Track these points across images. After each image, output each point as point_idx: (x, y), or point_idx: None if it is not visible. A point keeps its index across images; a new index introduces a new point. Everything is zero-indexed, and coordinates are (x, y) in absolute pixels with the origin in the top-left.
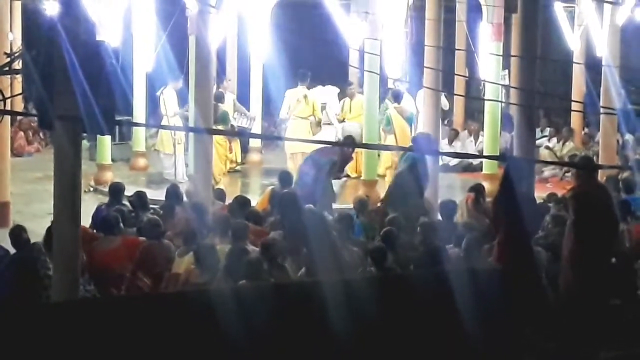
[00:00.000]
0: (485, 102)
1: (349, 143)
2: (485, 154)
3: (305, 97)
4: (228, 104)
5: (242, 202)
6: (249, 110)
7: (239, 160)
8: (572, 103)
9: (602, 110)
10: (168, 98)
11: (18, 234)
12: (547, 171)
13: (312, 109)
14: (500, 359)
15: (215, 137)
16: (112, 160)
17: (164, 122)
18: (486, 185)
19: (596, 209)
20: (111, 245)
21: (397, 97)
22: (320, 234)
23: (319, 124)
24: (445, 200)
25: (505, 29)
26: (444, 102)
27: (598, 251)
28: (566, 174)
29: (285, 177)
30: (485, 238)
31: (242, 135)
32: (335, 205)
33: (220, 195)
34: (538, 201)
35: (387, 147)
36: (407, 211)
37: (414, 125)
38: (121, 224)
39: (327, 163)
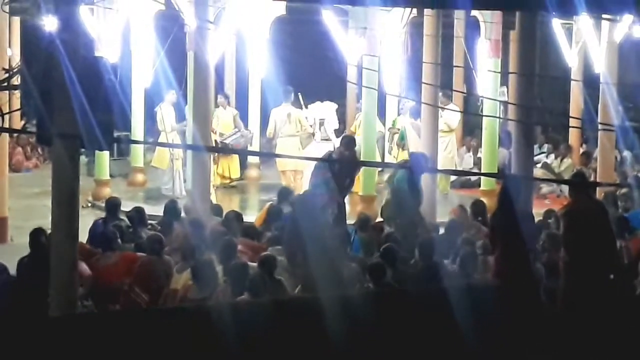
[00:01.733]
0: (484, 118)
1: (338, 160)
2: (483, 170)
3: (289, 115)
4: (228, 119)
5: (234, 217)
6: (247, 127)
7: (237, 175)
8: (570, 119)
9: (600, 126)
10: (166, 113)
11: (37, 236)
12: (545, 187)
13: (298, 125)
14: None
15: None
16: (110, 175)
17: (161, 138)
18: (485, 201)
19: (588, 226)
20: (109, 260)
21: (415, 113)
22: (320, 246)
23: (308, 137)
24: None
25: (503, 46)
26: (452, 120)
27: (592, 267)
28: (562, 191)
29: (284, 193)
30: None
31: (238, 152)
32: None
33: (217, 211)
34: (536, 218)
35: (385, 165)
36: (403, 227)
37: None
38: (119, 240)
39: (322, 184)
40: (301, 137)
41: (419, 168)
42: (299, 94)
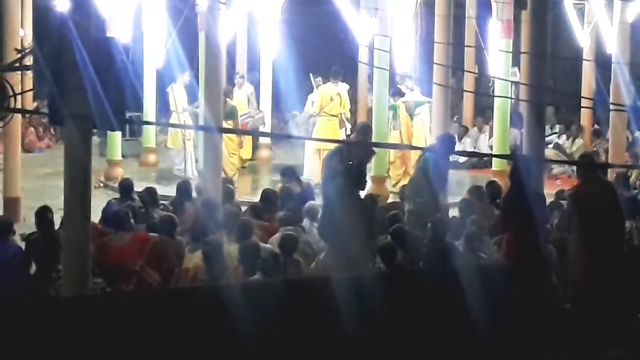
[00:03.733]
0: (495, 99)
1: (358, 142)
2: (494, 150)
3: (339, 94)
4: (242, 99)
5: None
6: (258, 107)
7: (249, 156)
8: (582, 100)
9: (611, 107)
10: (177, 94)
11: (43, 214)
12: (557, 168)
13: (343, 107)
14: (507, 354)
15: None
16: (122, 156)
17: (173, 118)
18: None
19: (595, 208)
20: (122, 240)
21: (398, 93)
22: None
23: (347, 121)
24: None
25: (515, 26)
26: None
27: (601, 249)
28: (574, 171)
29: (287, 172)
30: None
31: (251, 133)
32: None
33: (229, 192)
34: (548, 198)
35: (398, 146)
36: (419, 209)
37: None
38: (132, 220)
39: (330, 176)
40: (340, 119)
41: (442, 150)
42: (310, 74)
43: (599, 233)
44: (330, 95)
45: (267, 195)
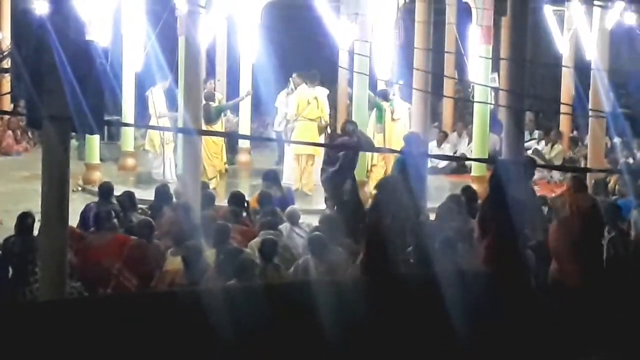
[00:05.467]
0: (475, 104)
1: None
2: (474, 155)
3: (316, 98)
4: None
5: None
6: (238, 113)
7: (224, 160)
8: (561, 106)
9: (590, 113)
10: (156, 98)
11: (23, 219)
12: (536, 174)
13: (320, 110)
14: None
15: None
16: (101, 159)
17: (152, 122)
18: (475, 187)
19: (576, 235)
20: (102, 240)
21: (384, 96)
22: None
23: (326, 127)
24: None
25: (494, 32)
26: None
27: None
28: (552, 177)
29: (269, 176)
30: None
31: (232, 136)
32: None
33: (209, 197)
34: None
35: (378, 150)
36: (396, 213)
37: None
38: (114, 220)
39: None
40: (319, 123)
41: (410, 151)
42: (290, 78)
43: (577, 256)
44: (307, 99)
45: (235, 197)
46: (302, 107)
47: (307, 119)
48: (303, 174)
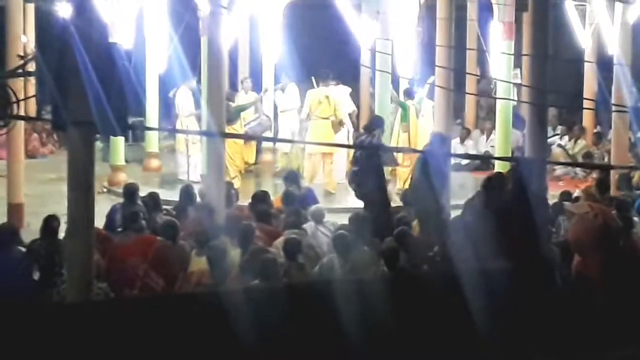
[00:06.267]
0: (497, 101)
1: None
2: (497, 152)
3: (327, 97)
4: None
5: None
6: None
7: (252, 160)
8: (584, 101)
9: (613, 108)
10: (183, 98)
11: (49, 222)
12: (559, 169)
13: (333, 109)
14: (510, 355)
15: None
16: (126, 161)
17: (178, 123)
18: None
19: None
20: (127, 240)
21: (409, 94)
22: None
23: (340, 123)
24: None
25: (516, 28)
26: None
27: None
28: (577, 173)
29: (291, 176)
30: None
31: (255, 138)
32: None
33: (232, 196)
34: (551, 200)
35: (399, 149)
36: (421, 211)
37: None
38: (142, 221)
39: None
40: (333, 121)
41: (434, 151)
42: (312, 78)
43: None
44: (318, 98)
45: (258, 197)
46: (314, 106)
47: (319, 117)
48: (323, 173)
